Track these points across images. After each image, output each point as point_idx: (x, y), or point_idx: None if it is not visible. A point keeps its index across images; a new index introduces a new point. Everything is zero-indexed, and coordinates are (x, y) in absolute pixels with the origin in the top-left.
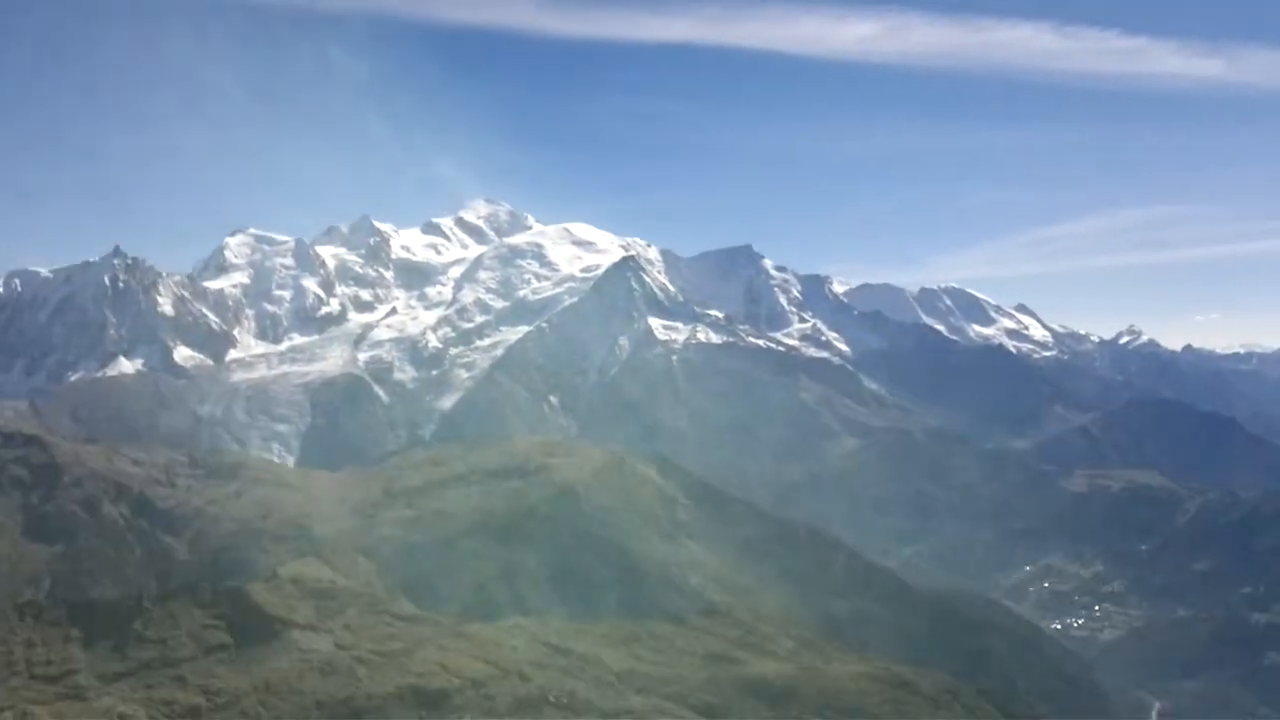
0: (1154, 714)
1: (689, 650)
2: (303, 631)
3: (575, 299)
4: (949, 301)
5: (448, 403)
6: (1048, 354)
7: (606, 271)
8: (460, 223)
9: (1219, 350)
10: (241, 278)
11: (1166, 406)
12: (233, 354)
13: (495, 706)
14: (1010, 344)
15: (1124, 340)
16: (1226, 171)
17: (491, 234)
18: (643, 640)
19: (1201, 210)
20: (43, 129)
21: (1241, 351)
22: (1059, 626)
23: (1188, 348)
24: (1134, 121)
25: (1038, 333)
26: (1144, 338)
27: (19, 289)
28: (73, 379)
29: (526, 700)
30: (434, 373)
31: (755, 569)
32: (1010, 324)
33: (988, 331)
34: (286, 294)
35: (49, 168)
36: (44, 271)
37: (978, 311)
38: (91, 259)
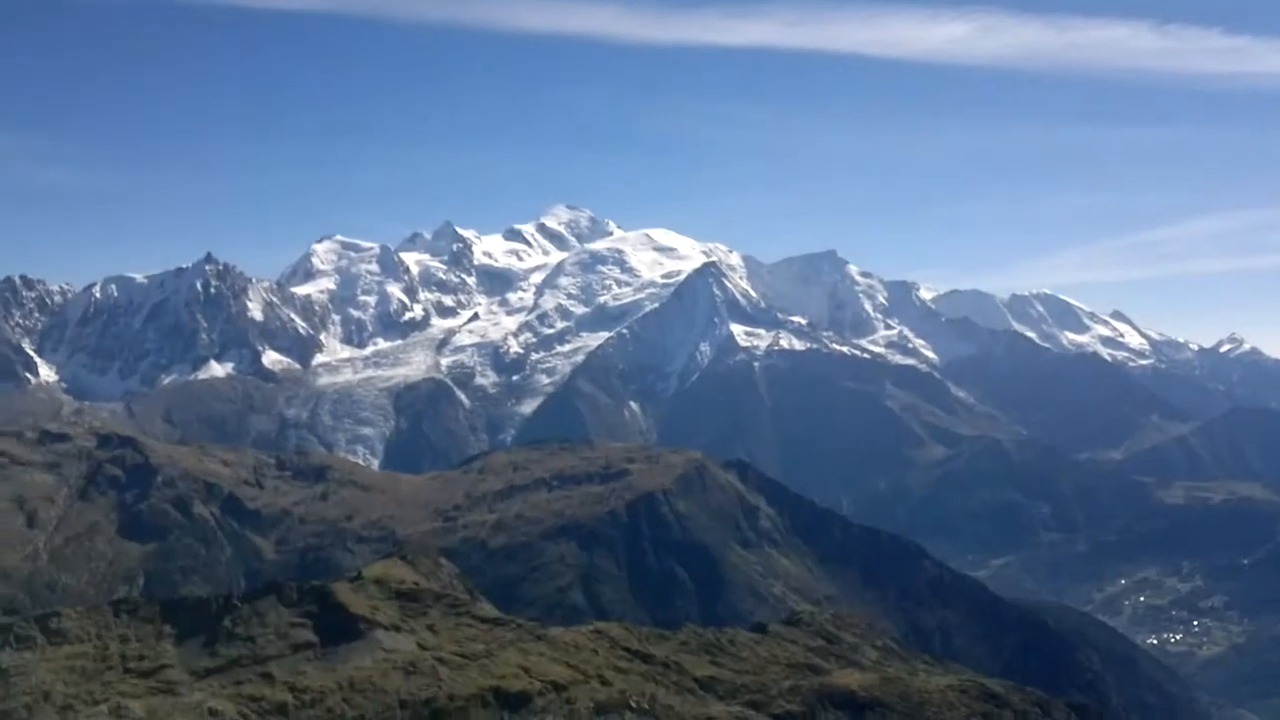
0: None
1: (771, 658)
2: (386, 632)
3: (656, 305)
4: (1041, 308)
5: (529, 408)
6: (1144, 362)
7: (688, 277)
8: (542, 229)
9: None
10: (328, 283)
11: (1269, 417)
12: (319, 358)
13: (576, 710)
14: (1105, 352)
15: (1225, 348)
16: None
17: (573, 240)
18: (724, 647)
19: None
20: (135, 137)
21: None
22: (1155, 642)
23: None
24: (1236, 122)
25: (1134, 340)
26: (1246, 346)
27: (115, 294)
28: (165, 382)
29: (607, 704)
30: (515, 378)
31: (839, 577)
32: (1105, 331)
33: (1081, 339)
34: (371, 299)
35: (144, 175)
36: (139, 277)
37: (1071, 318)
38: (184, 265)
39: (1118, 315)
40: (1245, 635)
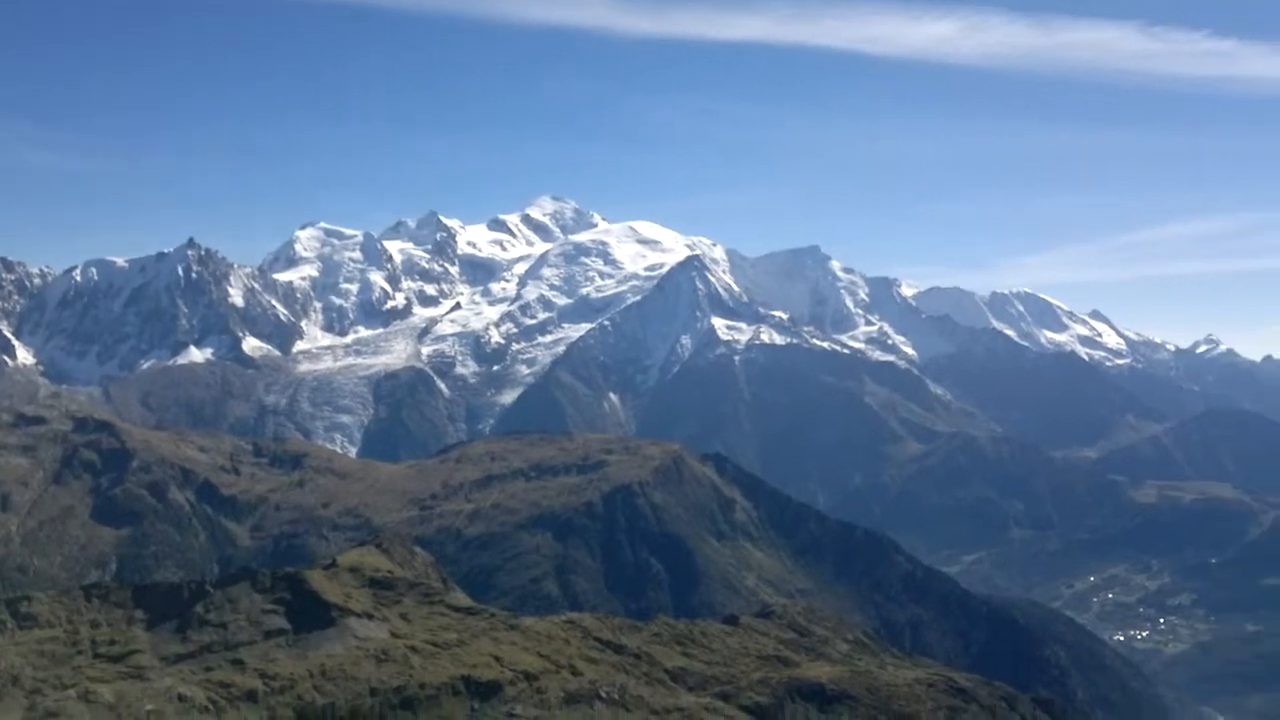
0: None
1: (742, 650)
2: (359, 619)
3: (638, 297)
4: (1020, 307)
5: (508, 398)
6: (1121, 362)
7: (670, 270)
8: (526, 219)
9: None
10: (310, 270)
11: (1243, 418)
12: (299, 345)
13: (546, 699)
14: (1083, 351)
15: (1201, 349)
16: None
17: (557, 231)
18: (696, 639)
19: None
20: (121, 122)
21: None
22: (1122, 638)
23: (1267, 358)
24: (1220, 125)
25: (1111, 340)
26: (1222, 347)
27: (95, 278)
28: (144, 367)
29: (577, 694)
30: (495, 368)
31: (812, 571)
32: (1083, 331)
33: (1060, 338)
34: (353, 287)
35: (126, 160)
36: (119, 261)
37: (1050, 317)
38: (166, 250)
39: (1096, 315)
40: (1211, 633)
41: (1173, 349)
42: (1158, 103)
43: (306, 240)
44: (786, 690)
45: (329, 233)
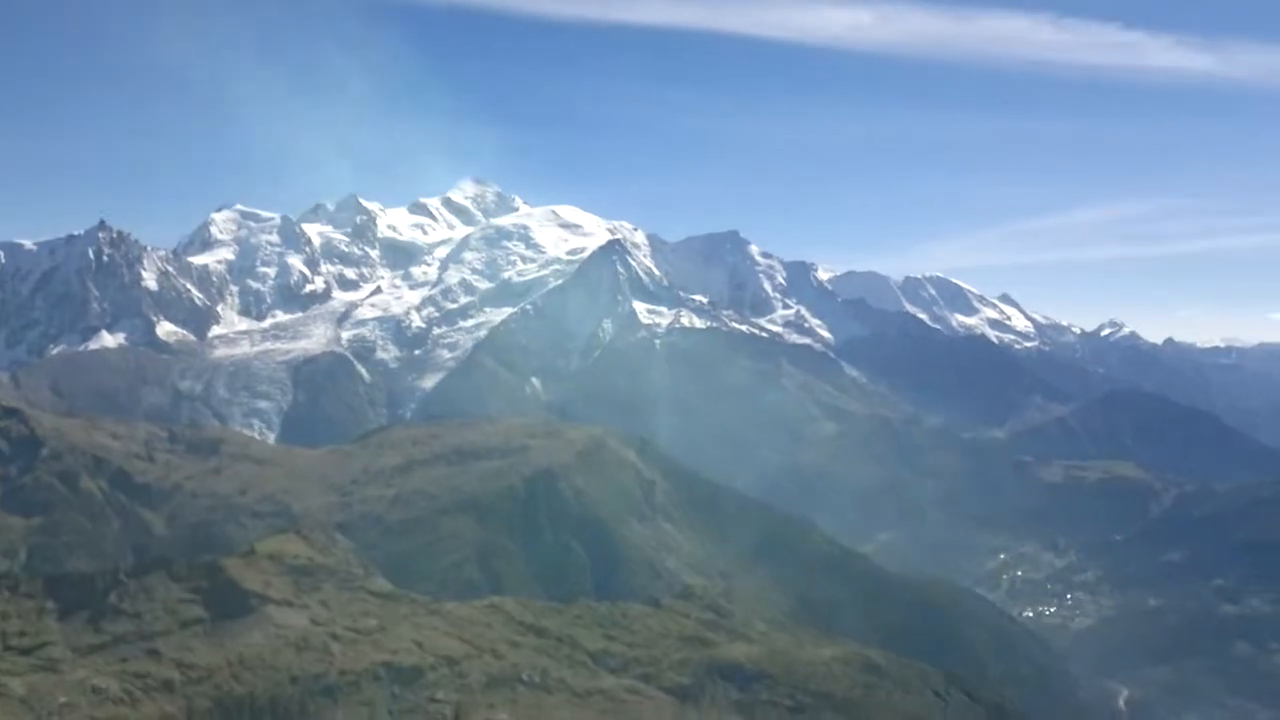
0: (1122, 702)
1: (663, 632)
2: (278, 607)
3: (560, 281)
4: (933, 290)
5: (430, 382)
6: (1029, 345)
7: (592, 255)
8: (447, 203)
9: (1199, 344)
10: (226, 254)
11: (1145, 399)
12: (216, 330)
13: (468, 684)
14: (992, 334)
15: (1105, 332)
16: (1216, 166)
17: (478, 215)
18: (617, 621)
19: (1189, 204)
20: (31, 101)
21: (1222, 346)
22: (1031, 614)
23: (1169, 341)
24: (1126, 115)
25: (1020, 323)
26: (1125, 330)
27: (2, 261)
28: (54, 352)
29: (499, 678)
30: (417, 352)
31: (731, 553)
32: (993, 314)
33: (970, 321)
34: (271, 271)
35: (36, 140)
36: (28, 244)
37: (961, 301)
38: (76, 232)
39: (1005, 298)
40: (1115, 609)
41: (1079, 332)
42: (1068, 92)
43: (222, 223)
44: (707, 670)
45: (245, 215)
